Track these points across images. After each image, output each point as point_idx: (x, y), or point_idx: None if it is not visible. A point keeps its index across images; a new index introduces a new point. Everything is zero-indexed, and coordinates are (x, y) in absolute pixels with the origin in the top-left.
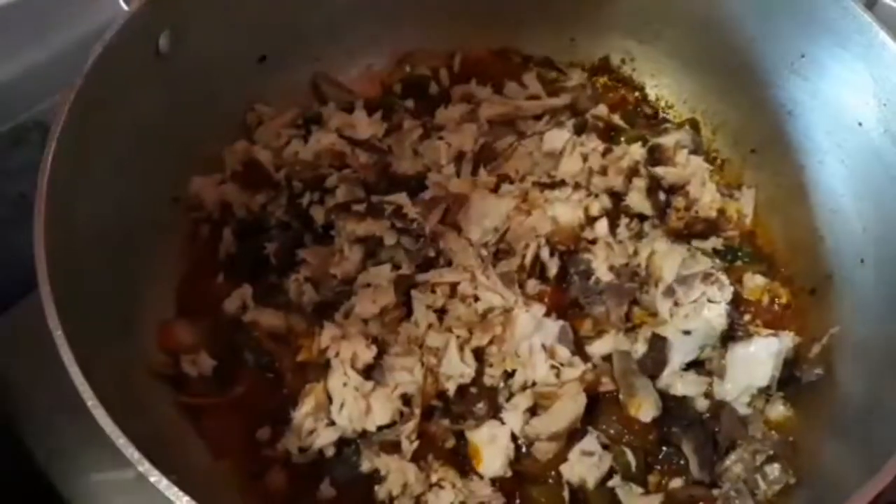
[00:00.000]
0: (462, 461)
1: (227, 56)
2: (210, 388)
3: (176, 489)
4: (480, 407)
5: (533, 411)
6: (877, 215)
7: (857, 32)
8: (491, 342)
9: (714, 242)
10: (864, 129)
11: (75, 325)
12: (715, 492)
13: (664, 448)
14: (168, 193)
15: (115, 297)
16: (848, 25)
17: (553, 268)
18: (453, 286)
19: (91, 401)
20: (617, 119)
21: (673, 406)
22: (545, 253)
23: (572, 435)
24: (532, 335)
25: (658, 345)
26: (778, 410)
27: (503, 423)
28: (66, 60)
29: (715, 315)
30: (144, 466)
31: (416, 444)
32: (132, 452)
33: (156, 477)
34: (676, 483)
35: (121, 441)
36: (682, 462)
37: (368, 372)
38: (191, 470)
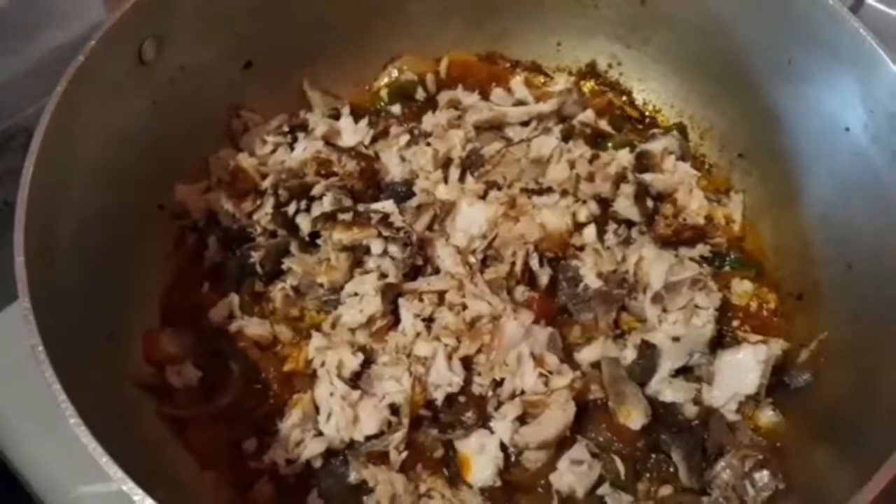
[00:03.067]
0: (451, 471)
1: (212, 63)
2: (196, 399)
3: None
4: (469, 416)
5: (522, 420)
6: (864, 221)
7: (846, 39)
8: (479, 350)
9: (701, 250)
10: (851, 134)
11: (58, 338)
12: (704, 499)
13: (653, 455)
14: (153, 201)
15: (98, 308)
16: (836, 32)
17: (544, 276)
18: (441, 294)
19: (74, 419)
20: (604, 125)
21: (662, 413)
22: (535, 261)
23: (561, 443)
24: (520, 343)
25: (647, 352)
26: (767, 416)
27: (492, 432)
28: (51, 67)
29: (703, 321)
30: (128, 485)
31: (404, 454)
32: (115, 471)
33: (139, 496)
34: (666, 490)
35: (104, 460)
36: (671, 469)
37: (355, 381)
38: (177, 482)
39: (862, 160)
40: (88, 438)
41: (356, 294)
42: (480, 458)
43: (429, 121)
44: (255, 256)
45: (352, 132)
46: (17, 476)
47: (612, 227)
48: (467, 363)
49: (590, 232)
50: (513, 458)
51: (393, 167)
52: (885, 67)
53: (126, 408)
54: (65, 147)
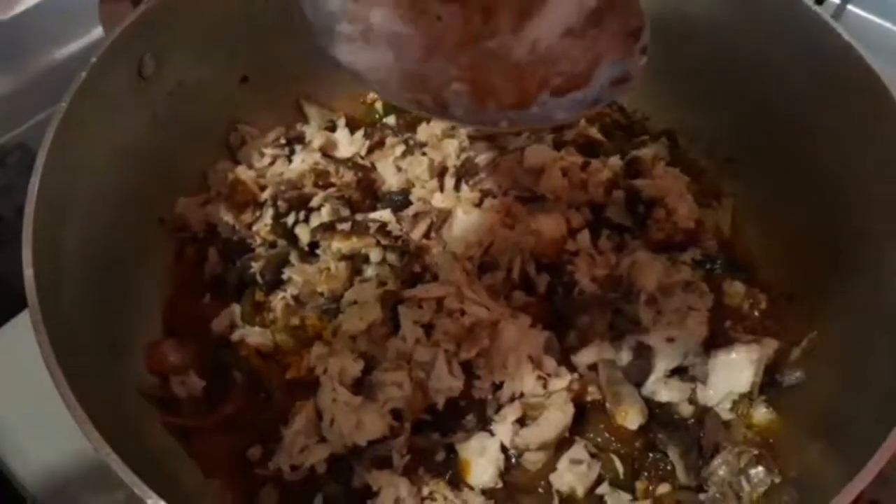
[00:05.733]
0: (453, 474)
1: (210, 77)
2: (200, 409)
3: None
4: (470, 419)
5: (522, 422)
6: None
7: (828, 43)
8: (478, 355)
9: (693, 253)
10: (836, 138)
11: (66, 351)
12: (701, 496)
13: (651, 454)
14: (154, 214)
15: (102, 320)
16: (820, 38)
17: (542, 283)
18: (440, 301)
19: (90, 432)
20: (595, 132)
21: (658, 412)
22: (531, 268)
23: (561, 444)
24: (518, 347)
25: (642, 353)
26: (761, 414)
27: (492, 434)
28: (46, 83)
29: (697, 323)
30: (143, 491)
31: (407, 458)
32: (132, 478)
33: (152, 500)
34: (664, 488)
35: (118, 466)
36: (668, 468)
37: (357, 388)
38: (182, 489)
39: (845, 162)
40: (106, 450)
41: (356, 302)
42: (481, 460)
43: (423, 131)
44: (256, 267)
45: (348, 144)
46: (20, 488)
47: (605, 232)
48: (467, 367)
49: (584, 237)
50: (513, 460)
51: (389, 177)
52: (868, 72)
53: (131, 417)
54: (68, 162)
